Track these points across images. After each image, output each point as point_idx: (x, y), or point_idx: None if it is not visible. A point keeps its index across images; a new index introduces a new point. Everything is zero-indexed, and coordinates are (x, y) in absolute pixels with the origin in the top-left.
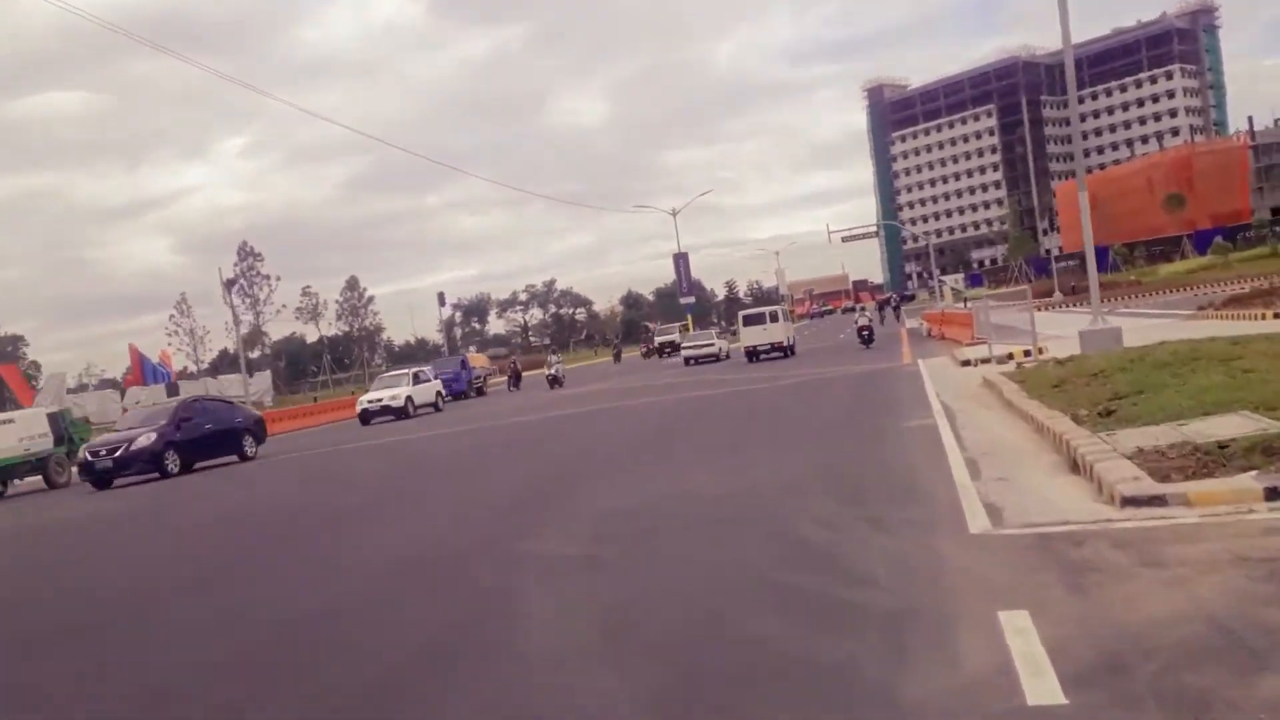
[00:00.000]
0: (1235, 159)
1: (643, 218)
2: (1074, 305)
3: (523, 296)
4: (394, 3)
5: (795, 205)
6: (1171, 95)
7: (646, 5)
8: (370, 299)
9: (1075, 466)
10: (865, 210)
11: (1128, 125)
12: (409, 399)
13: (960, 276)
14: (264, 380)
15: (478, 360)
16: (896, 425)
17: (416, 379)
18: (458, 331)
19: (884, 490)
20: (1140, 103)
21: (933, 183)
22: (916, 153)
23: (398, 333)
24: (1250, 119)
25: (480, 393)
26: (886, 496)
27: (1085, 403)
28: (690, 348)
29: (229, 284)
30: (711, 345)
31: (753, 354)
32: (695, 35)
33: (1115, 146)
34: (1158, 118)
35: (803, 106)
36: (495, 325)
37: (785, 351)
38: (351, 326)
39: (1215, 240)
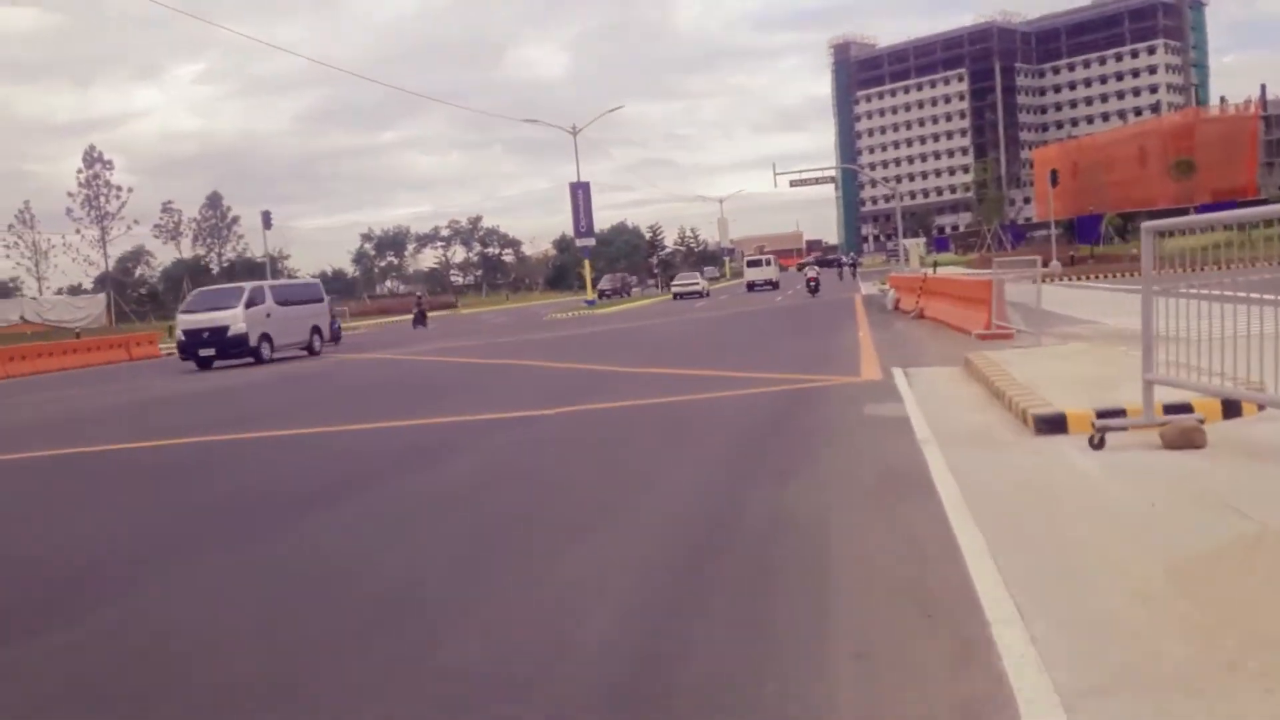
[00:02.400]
0: (1244, 130)
1: (603, 168)
2: (1083, 278)
3: (445, 232)
4: None
5: (754, 166)
6: (1153, 71)
7: None
8: (234, 219)
9: None
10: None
11: (1105, 99)
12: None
13: (922, 241)
14: (96, 304)
15: None
16: None
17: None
18: (374, 266)
19: None
20: (1120, 76)
21: (897, 145)
22: (881, 113)
23: (310, 264)
24: (1263, 86)
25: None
26: None
27: None
28: (679, 286)
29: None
30: (697, 284)
31: (752, 285)
32: None
33: (1091, 120)
34: (1137, 93)
35: (767, 71)
36: (427, 260)
37: (775, 285)
38: (209, 249)
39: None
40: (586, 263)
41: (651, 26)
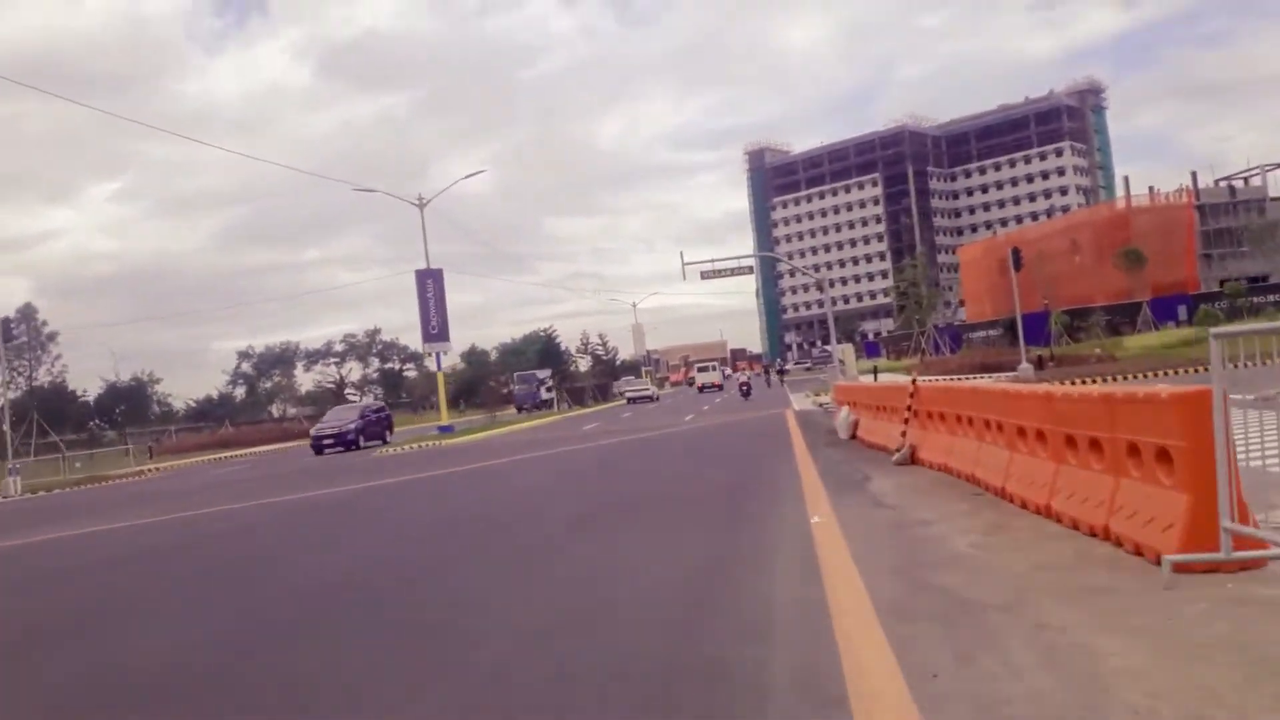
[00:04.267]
0: (1179, 220)
1: (527, 282)
2: (1060, 382)
3: (339, 346)
4: (280, 63)
5: (676, 278)
6: (1061, 172)
7: (529, 82)
8: (51, 336)
9: None
10: (748, 285)
11: (1017, 201)
12: None
13: (848, 346)
14: None
15: None
16: None
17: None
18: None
19: None
20: (1030, 178)
21: (815, 250)
22: (799, 219)
23: (196, 386)
24: (1194, 174)
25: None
26: None
27: None
28: (632, 391)
29: None
30: (647, 389)
31: (704, 388)
32: (577, 115)
33: (1005, 222)
34: (1048, 194)
35: (685, 188)
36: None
37: (721, 387)
38: (14, 371)
39: (1202, 308)
40: (440, 377)
41: (573, 145)
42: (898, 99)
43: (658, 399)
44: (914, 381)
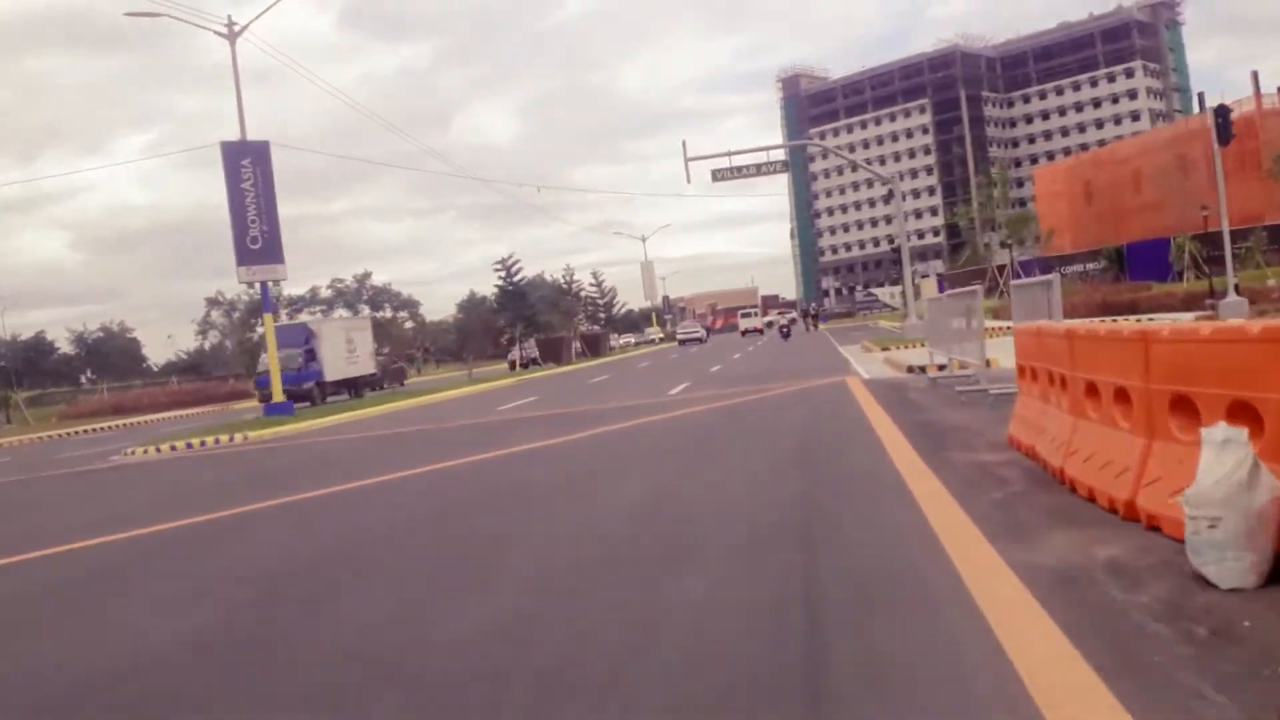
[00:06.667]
0: None
1: (554, 231)
2: None
3: (325, 293)
4: (304, 12)
5: (709, 227)
6: (1134, 96)
7: (551, 30)
8: None
9: None
10: (780, 233)
11: (1082, 128)
12: None
13: (928, 276)
14: None
15: None
16: None
17: None
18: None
19: None
20: (1097, 103)
21: (856, 186)
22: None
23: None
24: None
25: None
26: None
27: None
28: (683, 334)
29: None
30: (698, 331)
31: (746, 331)
32: (601, 61)
33: (1068, 151)
34: (1118, 120)
35: (714, 132)
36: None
37: (762, 331)
38: None
39: None
40: (269, 322)
41: (596, 93)
42: (941, 30)
43: (706, 339)
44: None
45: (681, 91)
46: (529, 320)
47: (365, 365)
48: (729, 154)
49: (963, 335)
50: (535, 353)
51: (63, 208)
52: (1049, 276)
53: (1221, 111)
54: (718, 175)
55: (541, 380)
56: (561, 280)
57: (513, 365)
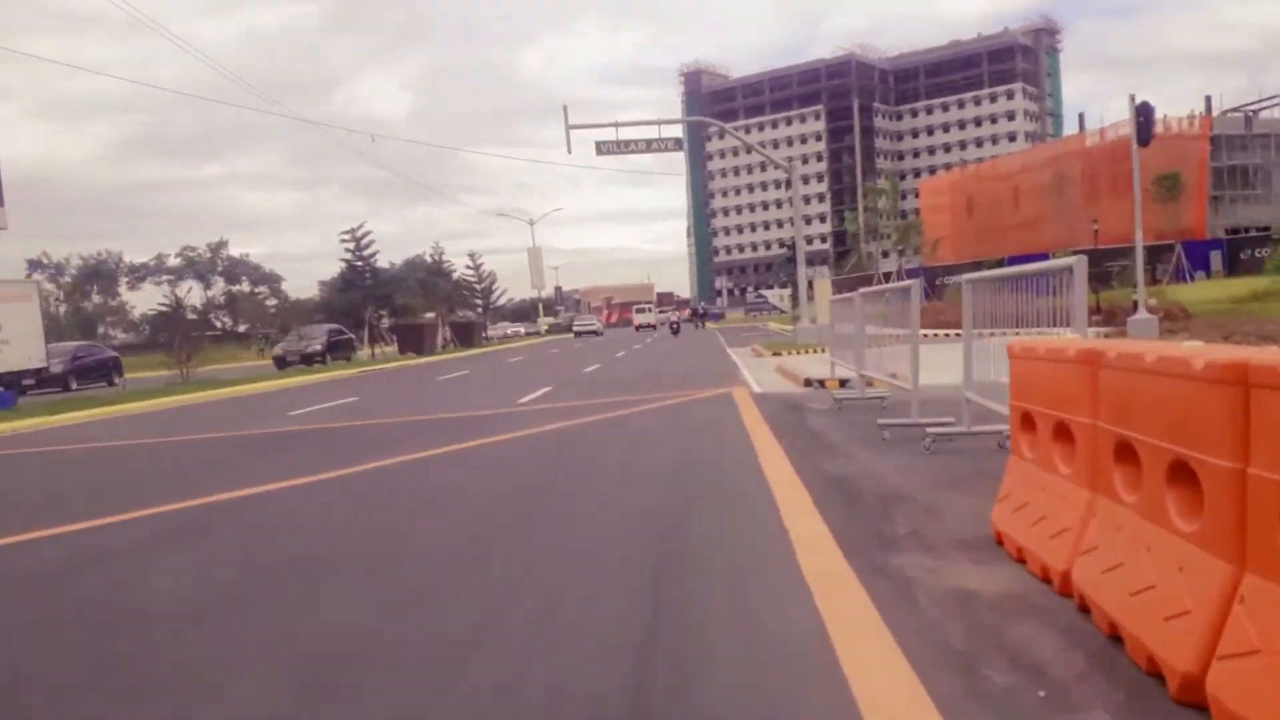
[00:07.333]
0: (1191, 154)
1: (453, 214)
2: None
3: (173, 261)
4: None
5: (604, 219)
6: (1011, 116)
7: (450, 3)
8: None
9: None
10: (678, 231)
11: (963, 145)
12: None
13: (823, 276)
14: None
15: None
16: None
17: None
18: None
19: None
20: (979, 121)
21: (750, 188)
22: (735, 152)
23: None
24: (1208, 99)
25: None
26: None
27: None
28: (579, 326)
29: None
30: (594, 325)
31: (640, 327)
32: (501, 39)
33: (948, 167)
34: (995, 139)
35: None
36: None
37: (655, 327)
38: None
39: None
40: None
41: (494, 72)
42: (838, 41)
43: (601, 333)
44: None
45: (582, 79)
46: (382, 301)
47: (23, 356)
48: (615, 124)
49: (876, 345)
50: (316, 345)
51: None
52: (908, 282)
53: (1144, 110)
54: (603, 148)
55: (360, 379)
56: (430, 259)
57: (281, 362)
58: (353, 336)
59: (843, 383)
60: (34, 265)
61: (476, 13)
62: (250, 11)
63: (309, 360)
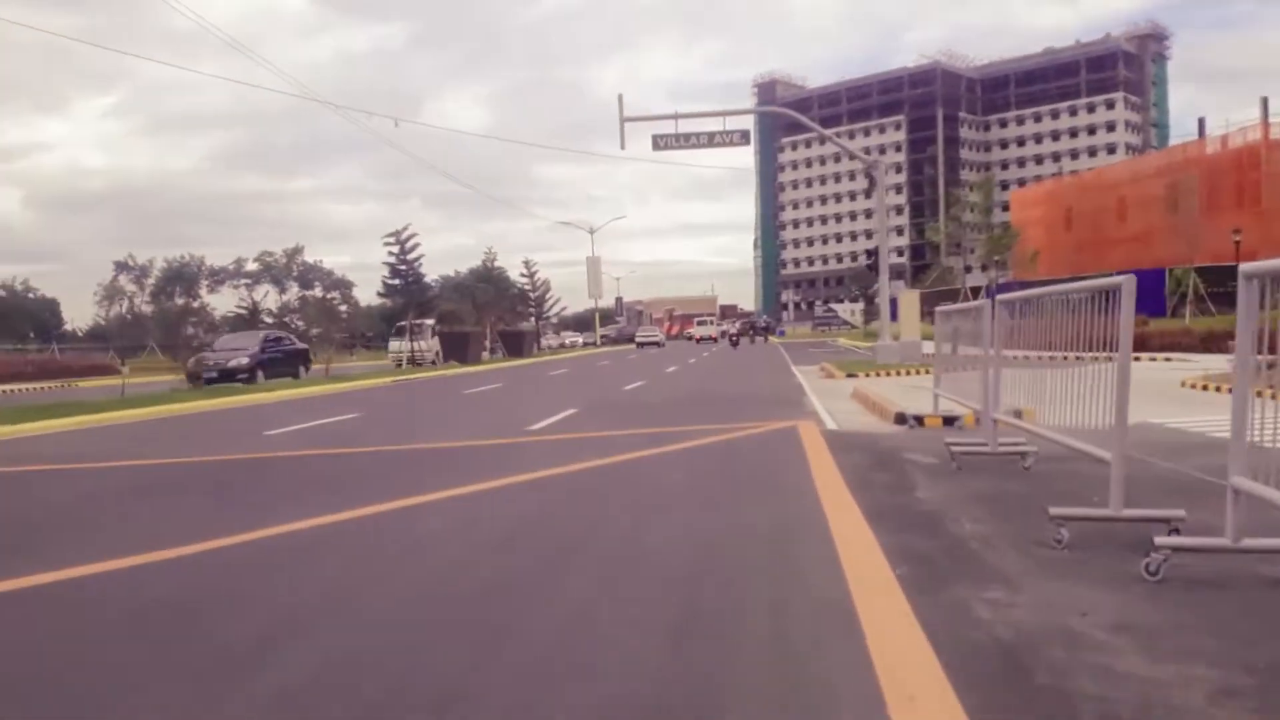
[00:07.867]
0: None
1: (526, 228)
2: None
3: (251, 266)
4: None
5: (671, 233)
6: (1111, 128)
7: (527, 23)
8: None
9: None
10: (744, 244)
11: (1056, 157)
12: None
13: (910, 291)
14: None
15: None
16: None
17: None
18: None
19: None
20: (1074, 133)
21: (823, 200)
22: (809, 163)
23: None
24: None
25: None
26: None
27: None
28: (642, 338)
29: None
30: (656, 336)
31: (700, 339)
32: (575, 59)
33: (1038, 179)
34: (1092, 152)
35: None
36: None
37: (716, 339)
38: None
39: None
40: None
41: (569, 90)
42: (921, 50)
43: (663, 344)
44: None
45: (653, 95)
46: (424, 308)
47: None
48: (675, 116)
49: (1033, 381)
50: (242, 358)
51: (16, 166)
52: (979, 302)
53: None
54: (660, 142)
55: (384, 390)
56: (483, 265)
57: (195, 378)
58: (305, 348)
59: (947, 420)
60: (120, 267)
61: (553, 35)
62: (340, 34)
63: (230, 377)
